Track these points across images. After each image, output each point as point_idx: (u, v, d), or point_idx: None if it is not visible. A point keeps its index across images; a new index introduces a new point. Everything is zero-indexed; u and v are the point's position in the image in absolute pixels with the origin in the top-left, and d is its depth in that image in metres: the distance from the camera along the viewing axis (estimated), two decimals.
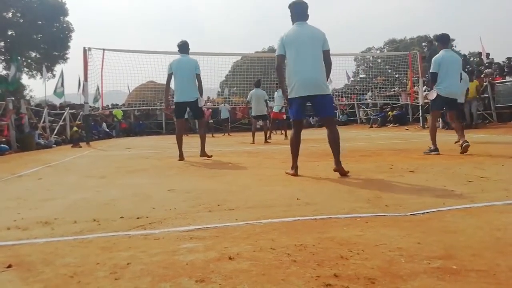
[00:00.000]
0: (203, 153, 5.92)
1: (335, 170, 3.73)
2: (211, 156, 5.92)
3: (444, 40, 5.62)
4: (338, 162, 3.72)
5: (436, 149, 5.36)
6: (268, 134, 10.89)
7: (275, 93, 11.65)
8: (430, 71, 5.56)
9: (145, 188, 3.40)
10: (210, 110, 19.35)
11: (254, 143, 9.47)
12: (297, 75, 3.73)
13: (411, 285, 1.29)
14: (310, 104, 3.86)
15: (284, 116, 11.65)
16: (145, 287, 1.34)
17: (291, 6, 3.89)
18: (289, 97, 3.83)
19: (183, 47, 5.97)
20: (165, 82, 6.19)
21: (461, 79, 5.63)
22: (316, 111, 3.98)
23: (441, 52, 5.46)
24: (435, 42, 8.56)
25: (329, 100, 3.85)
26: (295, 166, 3.87)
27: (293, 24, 3.90)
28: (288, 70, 3.83)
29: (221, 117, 17.57)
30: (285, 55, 3.81)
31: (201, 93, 6.01)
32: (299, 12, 3.87)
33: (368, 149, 6.66)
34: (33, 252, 1.76)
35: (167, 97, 6.36)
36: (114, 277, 1.43)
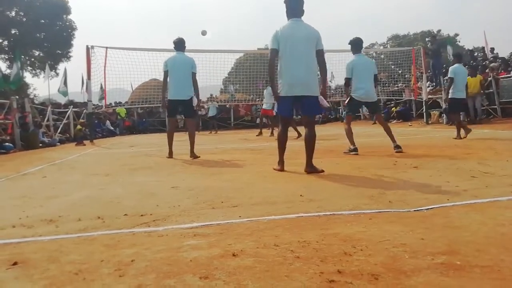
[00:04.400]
0: (192, 154, 5.57)
1: (307, 172, 3.73)
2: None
3: (356, 46, 5.56)
4: (310, 164, 3.74)
5: (355, 149, 5.33)
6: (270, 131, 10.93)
7: (265, 90, 11.58)
8: (345, 77, 5.59)
9: (149, 186, 3.41)
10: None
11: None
12: (288, 74, 3.72)
13: (415, 281, 1.29)
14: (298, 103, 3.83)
15: (274, 113, 11.53)
16: (149, 284, 1.35)
17: (286, 2, 3.83)
18: (280, 95, 3.80)
19: (179, 44, 5.74)
20: None
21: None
22: (302, 109, 3.89)
23: (354, 58, 5.52)
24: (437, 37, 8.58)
25: (316, 101, 3.80)
26: (281, 162, 3.96)
27: (288, 20, 3.83)
28: (280, 67, 3.80)
29: (209, 115, 17.51)
30: (278, 49, 3.76)
31: (197, 93, 5.75)
32: (294, 8, 3.81)
33: (371, 145, 6.64)
34: (38, 249, 1.78)
35: (163, 95, 6.00)
36: (119, 274, 1.44)
